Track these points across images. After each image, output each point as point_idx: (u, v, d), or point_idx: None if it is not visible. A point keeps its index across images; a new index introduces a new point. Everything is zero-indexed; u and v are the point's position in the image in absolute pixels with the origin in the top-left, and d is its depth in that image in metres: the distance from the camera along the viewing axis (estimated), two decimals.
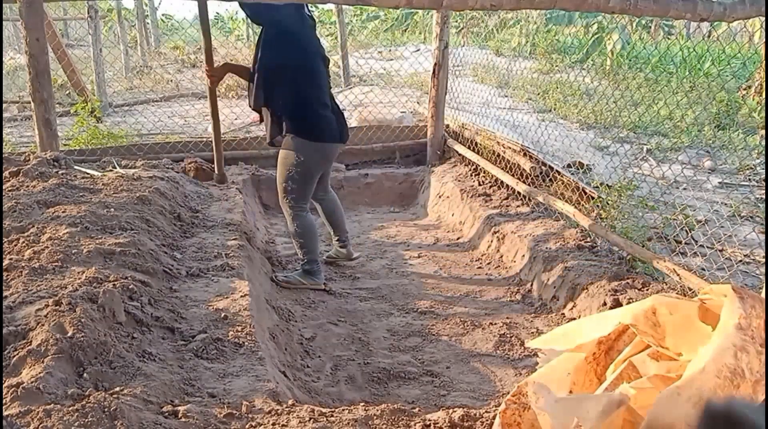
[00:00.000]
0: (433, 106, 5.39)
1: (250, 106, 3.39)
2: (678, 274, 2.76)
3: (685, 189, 4.82)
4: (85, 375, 1.75)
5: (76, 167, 3.87)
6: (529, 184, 4.19)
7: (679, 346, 1.47)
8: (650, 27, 14.71)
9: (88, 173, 3.78)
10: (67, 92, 7.87)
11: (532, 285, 3.47)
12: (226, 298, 2.55)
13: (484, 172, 4.87)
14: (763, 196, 4.58)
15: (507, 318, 3.18)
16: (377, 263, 3.94)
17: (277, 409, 1.82)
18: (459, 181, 4.91)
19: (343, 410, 1.88)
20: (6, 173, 3.47)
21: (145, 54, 12.74)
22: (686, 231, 3.61)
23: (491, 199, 4.48)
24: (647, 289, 2.89)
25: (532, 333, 2.99)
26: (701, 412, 0.45)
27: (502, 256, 3.88)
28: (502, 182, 4.57)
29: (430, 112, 5.45)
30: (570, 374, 1.63)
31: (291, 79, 3.22)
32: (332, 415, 1.83)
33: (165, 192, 3.59)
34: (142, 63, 12.04)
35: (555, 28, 12.52)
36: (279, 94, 3.23)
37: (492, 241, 4.01)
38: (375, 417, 1.85)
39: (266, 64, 3.19)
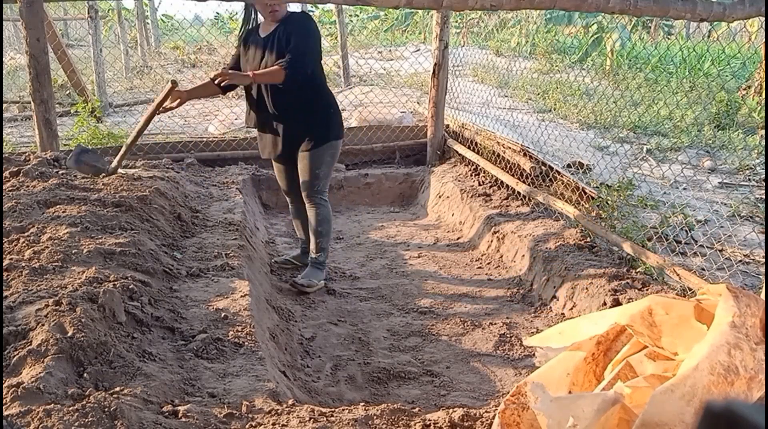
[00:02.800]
0: (433, 106, 5.39)
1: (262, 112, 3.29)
2: (678, 274, 2.77)
3: (685, 189, 4.82)
4: (85, 375, 1.76)
5: None
6: (529, 184, 4.19)
7: (675, 345, 1.47)
8: (650, 27, 14.72)
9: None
10: (67, 92, 7.86)
11: (532, 285, 3.47)
12: (226, 298, 2.56)
13: (484, 172, 4.87)
14: (763, 196, 4.58)
15: (507, 318, 3.18)
16: (377, 263, 3.94)
17: (277, 409, 1.83)
18: (459, 181, 4.92)
19: (343, 410, 1.89)
20: (6, 173, 3.48)
21: (145, 54, 12.74)
22: (686, 231, 3.61)
23: (491, 199, 4.48)
24: (647, 289, 2.89)
25: (532, 333, 2.99)
26: (701, 413, 0.45)
27: (502, 256, 3.88)
28: (502, 182, 4.57)
29: (430, 112, 5.45)
30: (569, 375, 1.63)
31: (321, 81, 3.31)
32: (332, 415, 1.83)
33: (165, 192, 3.59)
34: (142, 63, 12.04)
35: (555, 28, 12.52)
36: (312, 96, 3.26)
37: (492, 241, 4.01)
38: (375, 417, 1.85)
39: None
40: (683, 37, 11.89)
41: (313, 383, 2.54)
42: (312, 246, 3.50)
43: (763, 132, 6.29)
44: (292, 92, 3.20)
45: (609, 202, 3.49)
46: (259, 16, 3.34)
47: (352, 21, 18.57)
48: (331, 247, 4.12)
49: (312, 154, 3.32)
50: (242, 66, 3.33)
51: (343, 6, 9.45)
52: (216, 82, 3.08)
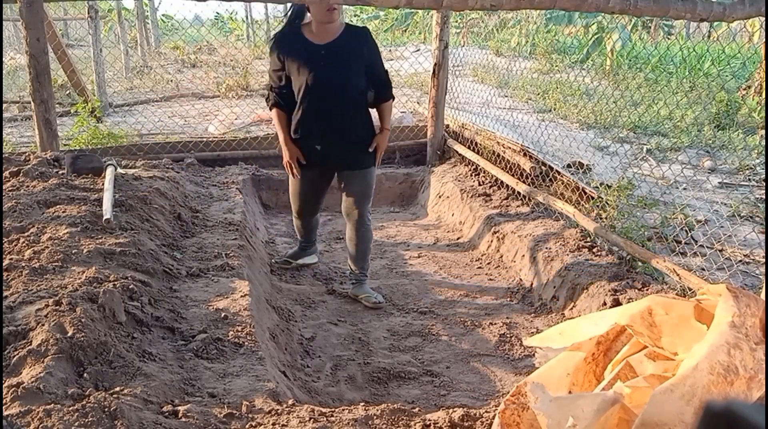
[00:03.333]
0: (433, 106, 5.39)
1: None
2: (678, 274, 2.76)
3: (685, 189, 4.82)
4: (85, 375, 1.76)
5: None
6: (529, 184, 4.19)
7: (675, 345, 1.47)
8: (650, 27, 14.72)
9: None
10: (67, 92, 7.86)
11: (532, 285, 3.47)
12: (226, 298, 2.56)
13: (484, 172, 4.87)
14: (763, 196, 4.58)
15: (507, 318, 3.18)
16: (377, 263, 3.94)
17: (277, 409, 1.83)
18: (459, 181, 4.92)
19: (343, 410, 1.89)
20: (6, 173, 3.48)
21: (145, 54, 12.74)
22: (686, 231, 3.61)
23: (491, 199, 4.48)
24: (647, 289, 2.89)
25: (532, 333, 2.99)
26: (701, 412, 0.45)
27: (502, 256, 3.88)
28: (502, 182, 4.57)
29: (430, 112, 5.45)
30: (569, 375, 1.63)
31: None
32: (332, 415, 1.83)
33: (165, 192, 3.59)
34: (142, 63, 12.04)
35: (555, 28, 12.53)
36: (366, 114, 3.25)
37: (492, 241, 4.01)
38: (375, 417, 1.85)
39: (364, 87, 3.18)
40: (683, 37, 11.89)
41: (313, 383, 2.54)
42: (361, 265, 3.40)
43: (763, 132, 6.29)
44: (352, 109, 3.16)
45: (609, 202, 3.49)
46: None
47: (352, 21, 18.58)
48: (332, 247, 4.15)
49: (367, 173, 3.29)
50: (292, 76, 3.12)
51: (344, 6, 9.45)
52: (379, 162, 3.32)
